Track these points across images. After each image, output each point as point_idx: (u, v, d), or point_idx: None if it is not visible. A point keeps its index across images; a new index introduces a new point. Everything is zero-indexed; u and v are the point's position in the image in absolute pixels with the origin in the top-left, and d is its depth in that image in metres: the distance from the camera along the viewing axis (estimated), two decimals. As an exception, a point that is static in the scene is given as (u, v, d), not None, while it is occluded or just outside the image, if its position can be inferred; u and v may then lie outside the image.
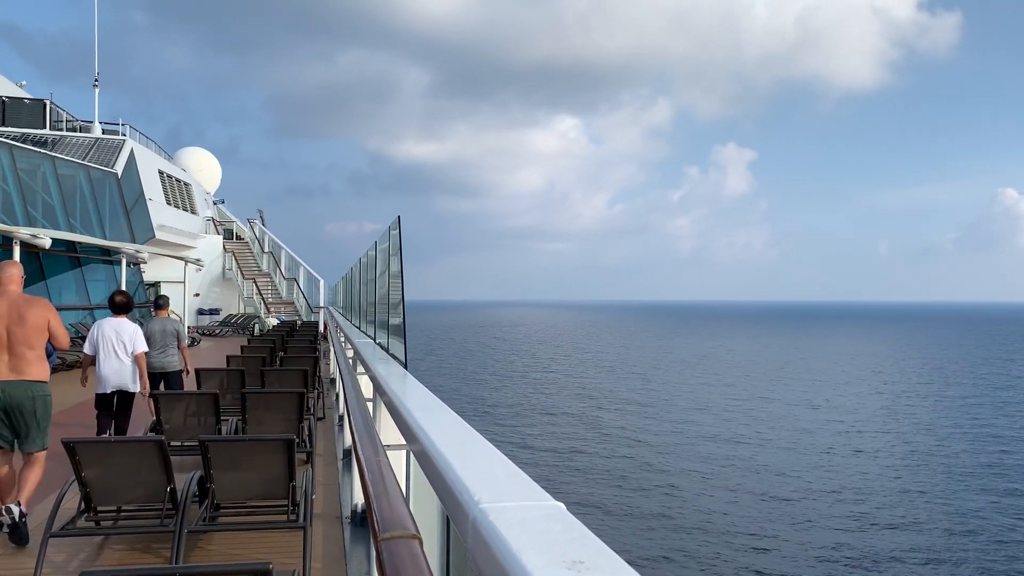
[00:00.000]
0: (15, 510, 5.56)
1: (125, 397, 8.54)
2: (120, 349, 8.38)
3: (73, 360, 15.44)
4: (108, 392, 8.42)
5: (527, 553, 1.20)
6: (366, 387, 6.49)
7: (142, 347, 8.56)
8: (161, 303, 10.50)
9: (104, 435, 8.29)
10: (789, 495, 24.80)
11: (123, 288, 22.32)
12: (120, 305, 8.66)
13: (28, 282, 18.91)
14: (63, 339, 6.04)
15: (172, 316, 10.94)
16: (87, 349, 8.50)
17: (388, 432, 4.03)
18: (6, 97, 31.06)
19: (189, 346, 10.35)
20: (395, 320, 7.36)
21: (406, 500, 1.99)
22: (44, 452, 6.01)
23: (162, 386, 9.72)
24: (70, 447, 5.10)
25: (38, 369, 5.87)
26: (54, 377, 6.86)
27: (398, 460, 4.07)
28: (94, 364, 8.46)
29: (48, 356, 6.23)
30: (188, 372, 10.13)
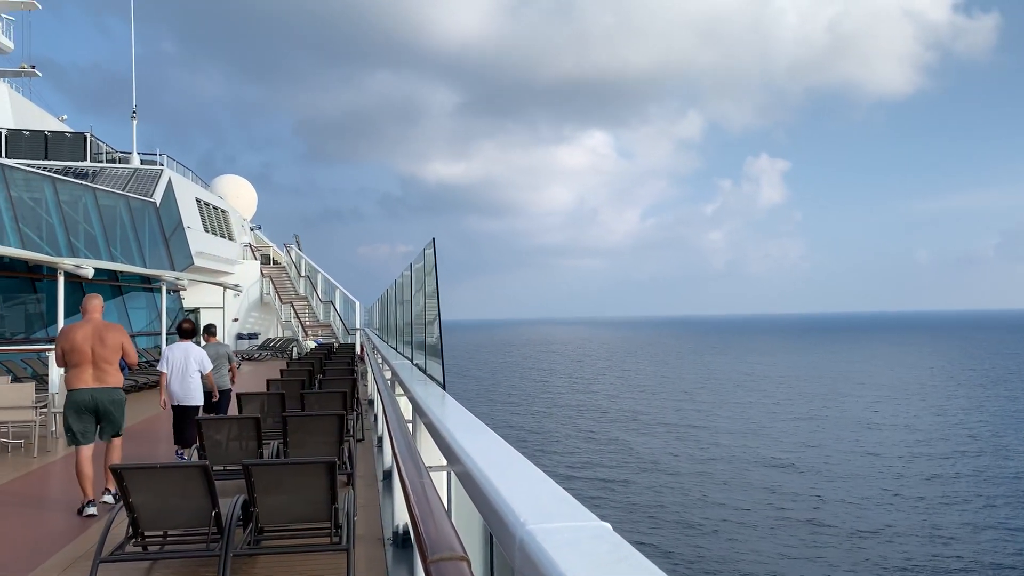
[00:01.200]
0: (109, 498, 7.56)
1: (189, 411, 9.97)
2: (187, 369, 9.97)
3: (144, 383, 18.51)
4: (177, 404, 10.01)
5: (576, 574, 1.21)
6: (405, 408, 6.53)
7: (209, 367, 10.15)
8: (211, 330, 12.00)
9: (179, 448, 10.14)
10: (862, 530, 22.53)
11: (162, 314, 22.71)
12: (187, 331, 10.41)
13: (71, 311, 19.28)
14: (133, 357, 7.91)
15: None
16: (162, 367, 10.05)
17: (429, 453, 4.06)
18: (49, 132, 31.86)
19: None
20: (431, 341, 7.41)
21: (451, 521, 2.01)
22: (120, 438, 7.84)
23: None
24: (118, 473, 5.20)
25: (115, 378, 7.69)
26: (149, 394, 9.65)
27: (439, 481, 4.09)
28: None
29: (121, 369, 7.90)
30: (234, 384, 11.55)
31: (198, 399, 10.09)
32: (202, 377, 10.12)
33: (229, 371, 11.43)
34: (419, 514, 1.84)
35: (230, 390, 11.40)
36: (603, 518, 1.56)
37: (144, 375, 19.07)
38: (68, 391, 7.55)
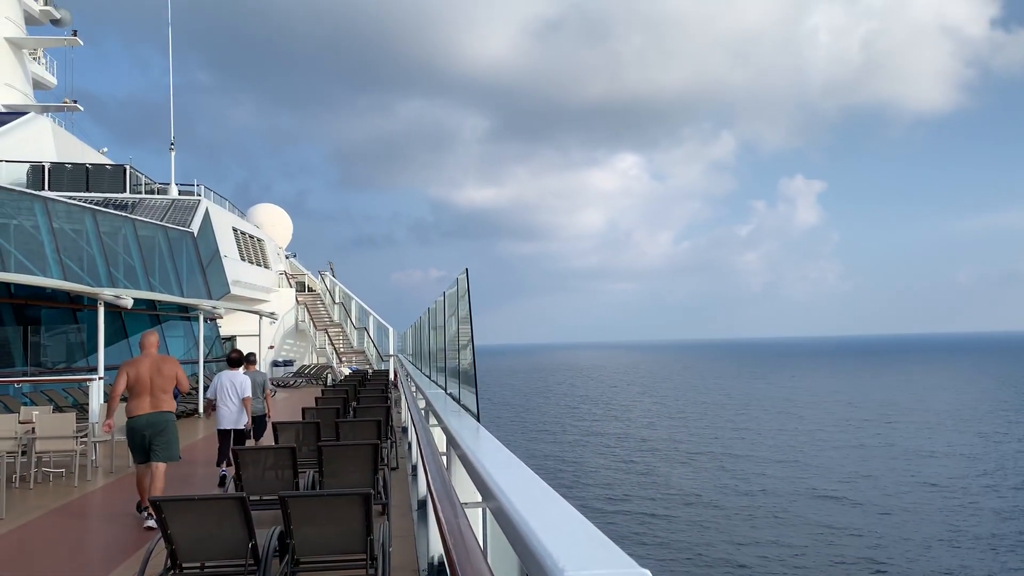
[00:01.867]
0: (151, 522, 8.02)
1: (237, 433, 10.98)
2: (234, 396, 10.87)
3: (191, 410, 20.01)
4: (225, 428, 10.87)
5: (616, 627, 1.19)
6: (439, 439, 6.52)
7: (248, 393, 10.95)
8: (251, 359, 12.66)
9: (221, 467, 10.75)
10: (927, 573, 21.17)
11: (199, 342, 23.00)
12: (234, 361, 11.41)
13: (111, 340, 19.54)
14: (185, 385, 8.85)
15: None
16: (209, 395, 11.03)
17: (463, 485, 4.04)
18: (90, 164, 32.59)
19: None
20: (466, 369, 7.41)
21: (486, 561, 1.99)
22: (165, 465, 8.41)
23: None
24: (156, 505, 5.24)
25: (168, 404, 8.57)
26: (189, 420, 11.03)
27: (475, 515, 4.07)
28: (215, 407, 10.93)
29: (175, 397, 8.84)
30: (270, 416, 12.07)
31: (243, 423, 10.97)
32: (242, 403, 10.95)
33: (264, 399, 12.11)
34: (456, 555, 1.83)
35: (265, 416, 12.12)
36: (643, 557, 1.53)
37: (181, 404, 19.67)
38: (128, 418, 8.40)
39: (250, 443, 11.35)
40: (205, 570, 5.67)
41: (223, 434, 10.99)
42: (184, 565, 5.49)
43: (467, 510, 3.06)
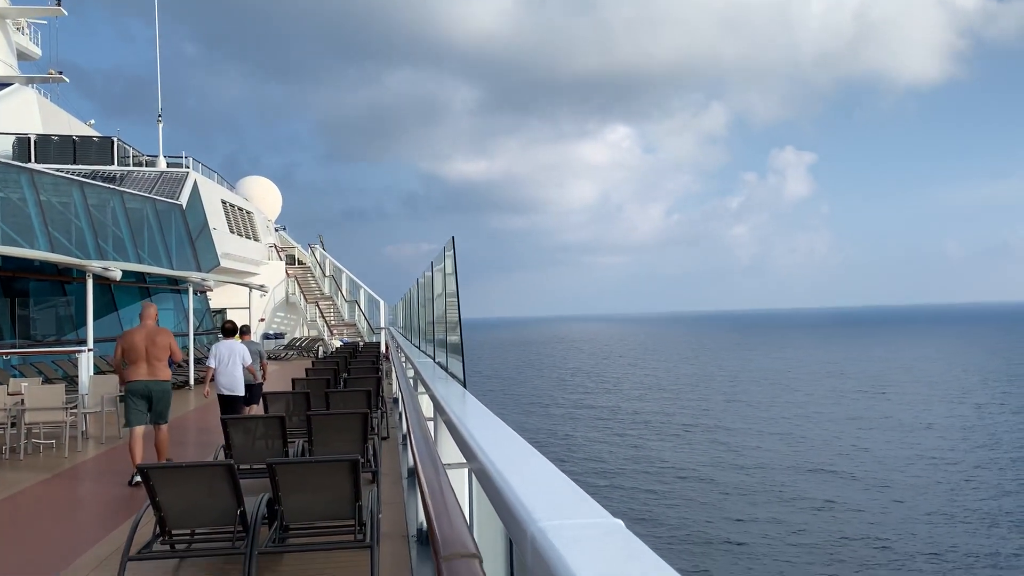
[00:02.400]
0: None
1: (235, 399, 11.30)
2: (233, 364, 11.21)
3: (182, 382, 20.10)
4: (224, 394, 11.24)
5: (585, 571, 1.20)
6: (427, 406, 6.55)
7: (249, 360, 11.39)
8: (246, 330, 12.99)
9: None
10: (925, 552, 20.64)
11: (189, 315, 22.95)
12: (230, 330, 11.75)
13: (100, 313, 19.48)
14: (178, 354, 9.60)
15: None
16: (211, 363, 11.29)
17: (449, 451, 4.06)
18: (77, 136, 32.28)
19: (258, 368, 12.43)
20: (453, 339, 7.42)
21: (468, 519, 2.00)
22: (166, 425, 9.36)
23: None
24: (144, 473, 5.25)
25: (164, 372, 9.32)
26: (179, 392, 11.34)
27: (460, 479, 4.10)
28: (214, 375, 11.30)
29: (169, 365, 9.57)
30: (265, 380, 12.52)
31: (242, 389, 11.36)
32: (244, 369, 11.37)
33: (261, 367, 12.41)
34: (434, 512, 1.84)
35: (261, 384, 12.45)
36: (639, 535, 1.52)
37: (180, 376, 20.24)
38: (126, 383, 9.19)
39: (247, 410, 11.66)
40: (195, 537, 5.71)
41: (224, 400, 11.40)
42: (173, 532, 5.53)
43: (452, 472, 3.08)
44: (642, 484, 29.17)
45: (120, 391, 10.15)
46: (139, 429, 9.11)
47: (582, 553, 1.29)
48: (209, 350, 11.73)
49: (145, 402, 9.15)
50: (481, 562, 1.44)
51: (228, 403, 11.37)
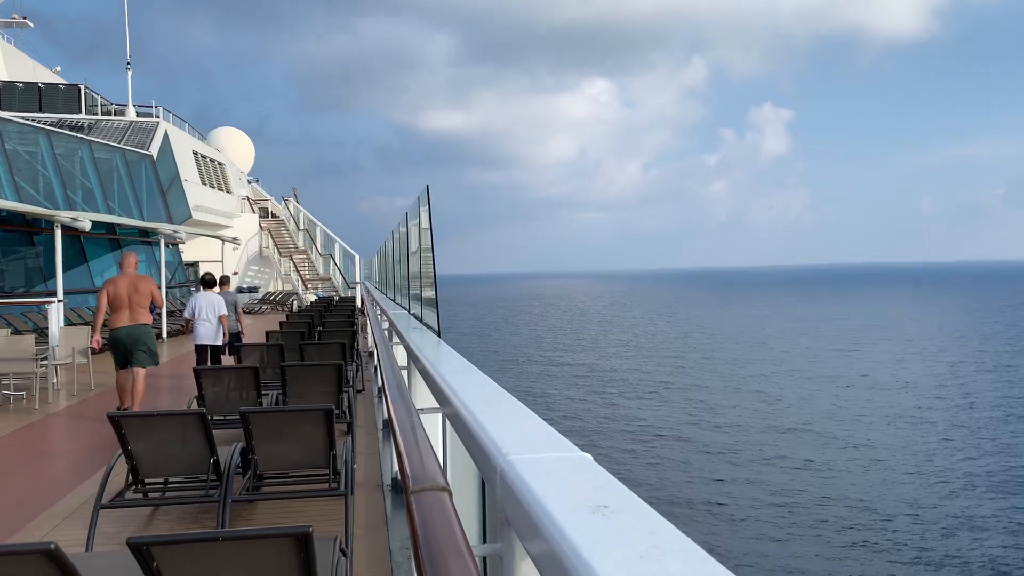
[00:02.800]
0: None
1: (214, 348, 11.68)
2: (211, 314, 11.52)
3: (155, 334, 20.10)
4: (202, 343, 11.55)
5: (552, 499, 1.20)
6: (401, 356, 6.55)
7: (224, 311, 11.64)
8: (224, 280, 13.57)
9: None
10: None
11: (161, 267, 22.72)
12: (208, 282, 12.15)
13: (69, 264, 19.23)
14: (160, 301, 9.96)
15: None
16: (187, 314, 11.71)
17: (423, 398, 4.07)
18: (42, 84, 31.51)
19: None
20: (428, 291, 7.40)
21: (440, 458, 2.01)
22: (144, 370, 9.56)
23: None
24: (115, 421, 5.22)
25: (145, 318, 9.59)
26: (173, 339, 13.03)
27: (434, 424, 4.11)
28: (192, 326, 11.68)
29: (151, 311, 9.85)
30: (244, 334, 12.99)
31: (219, 339, 11.64)
32: (219, 320, 11.68)
33: (237, 318, 12.82)
34: (405, 449, 1.84)
35: (239, 333, 12.90)
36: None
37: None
38: (110, 329, 9.55)
39: (227, 360, 12.12)
40: (168, 485, 5.70)
41: (200, 349, 11.66)
42: (146, 481, 5.52)
43: (426, 417, 3.08)
44: (620, 443, 28.96)
45: (91, 345, 10.19)
46: (125, 372, 9.60)
47: (550, 483, 1.30)
48: (186, 303, 12.14)
49: (126, 347, 9.47)
50: (451, 495, 1.44)
51: (205, 353, 11.66)
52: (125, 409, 9.10)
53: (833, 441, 28.43)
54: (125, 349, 9.43)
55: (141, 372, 9.55)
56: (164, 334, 20.28)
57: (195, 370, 8.15)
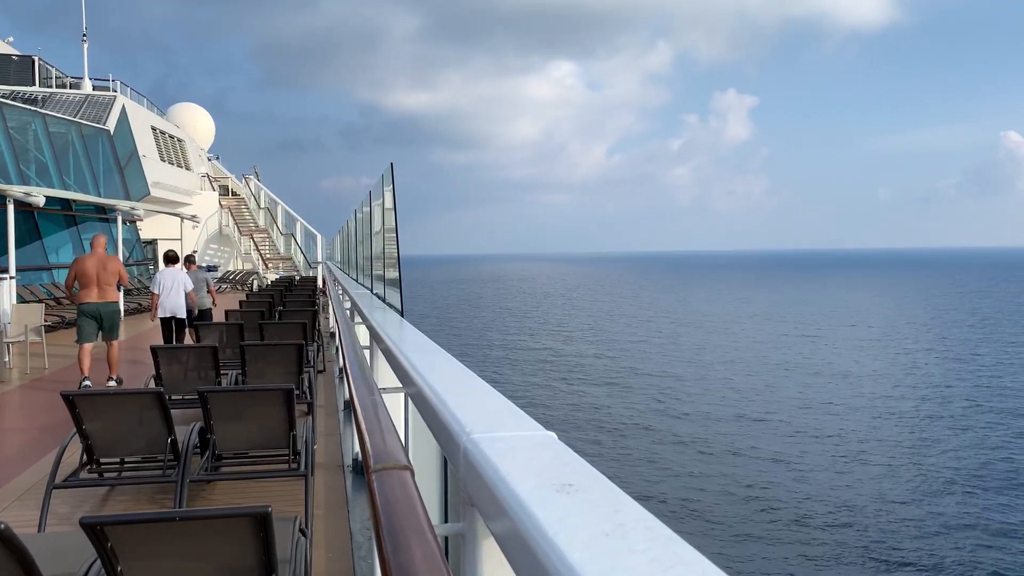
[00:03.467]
0: (113, 383, 10.32)
1: (179, 321, 12.46)
2: (176, 289, 12.28)
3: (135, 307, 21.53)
4: (167, 316, 12.35)
5: (516, 477, 1.19)
6: (363, 336, 6.50)
7: (190, 286, 12.52)
8: (190, 259, 14.39)
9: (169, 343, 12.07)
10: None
11: (119, 245, 22.29)
12: (172, 259, 12.82)
13: (23, 241, 18.85)
14: (126, 279, 10.69)
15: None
16: (154, 289, 12.35)
17: (385, 378, 4.04)
18: (-6, 54, 30.62)
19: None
20: (391, 271, 7.35)
21: (403, 439, 1.98)
22: (117, 340, 10.51)
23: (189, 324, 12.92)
24: (69, 400, 5.11)
25: (113, 295, 10.38)
26: (131, 318, 14.03)
27: (396, 404, 4.08)
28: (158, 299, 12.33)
29: (119, 289, 10.60)
30: (215, 306, 14.12)
31: (183, 311, 12.43)
32: (186, 296, 12.43)
33: (208, 293, 13.67)
34: (366, 428, 1.81)
35: (211, 309, 13.78)
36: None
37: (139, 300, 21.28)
38: (79, 304, 10.19)
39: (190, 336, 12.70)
40: (124, 465, 5.61)
41: (165, 322, 12.44)
42: (102, 461, 5.42)
43: (389, 397, 3.05)
44: (587, 435, 28.52)
45: (45, 320, 10.92)
46: (88, 346, 10.21)
47: (514, 461, 1.28)
48: (152, 279, 13.13)
49: (95, 322, 10.20)
50: (413, 474, 1.42)
51: (170, 326, 12.48)
52: (86, 378, 9.99)
53: (802, 431, 28.16)
54: (96, 324, 10.20)
55: (115, 343, 10.48)
56: (121, 312, 19.93)
57: (152, 349, 8.01)
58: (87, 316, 10.15)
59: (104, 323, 10.27)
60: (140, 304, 21.66)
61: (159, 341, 12.34)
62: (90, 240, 10.66)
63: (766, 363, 44.05)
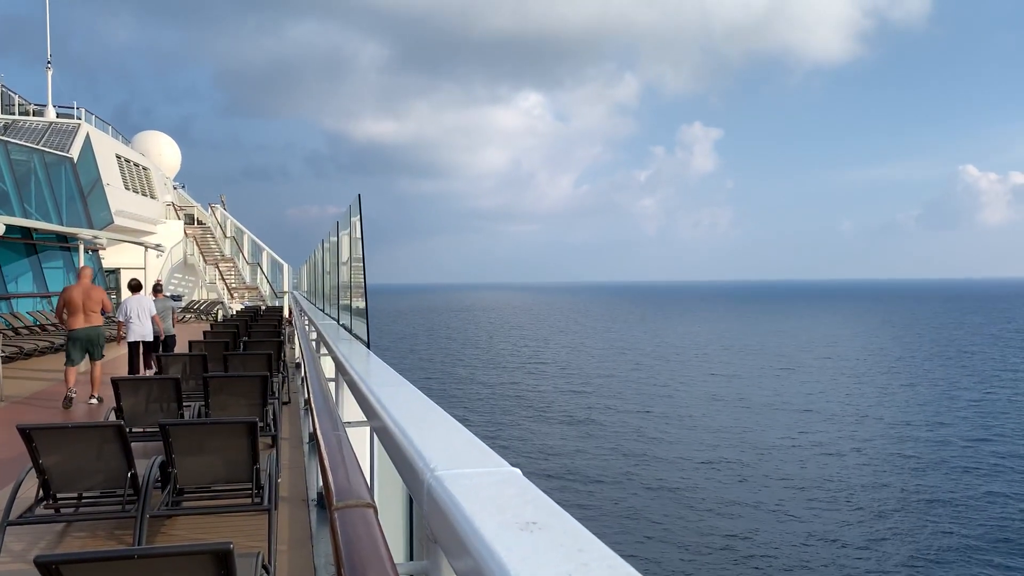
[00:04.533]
0: (94, 400, 11.22)
1: (147, 344, 13.17)
2: (142, 315, 13.01)
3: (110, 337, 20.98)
4: (135, 341, 13.07)
5: (480, 516, 1.19)
6: (329, 368, 6.45)
7: (154, 311, 13.24)
8: (158, 287, 15.55)
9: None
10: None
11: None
12: (136, 287, 13.57)
13: (-18, 268, 18.38)
14: (108, 307, 11.82)
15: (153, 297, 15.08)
16: (120, 316, 13.04)
17: (351, 411, 4.00)
18: (-46, 81, 30.21)
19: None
20: (358, 301, 7.31)
21: (366, 473, 1.97)
22: (101, 360, 11.59)
23: (161, 349, 13.66)
24: (26, 433, 5.00)
25: (97, 320, 11.52)
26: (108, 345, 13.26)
27: (362, 438, 4.05)
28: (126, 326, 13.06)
29: (103, 314, 11.66)
30: (174, 333, 15.12)
31: (151, 336, 13.17)
32: (152, 320, 13.13)
33: (173, 321, 14.72)
34: (329, 464, 1.80)
35: (174, 335, 14.73)
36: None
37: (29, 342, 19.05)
38: (68, 330, 11.40)
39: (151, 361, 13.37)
40: (82, 500, 5.48)
41: (133, 346, 13.13)
42: (59, 496, 5.30)
43: (354, 431, 3.03)
44: (552, 469, 28.06)
45: (3, 350, 11.15)
46: (74, 368, 11.30)
47: (477, 499, 1.28)
48: (117, 307, 13.91)
49: (82, 344, 11.37)
50: (376, 511, 1.41)
51: (137, 348, 13.20)
52: (71, 389, 11.08)
53: (787, 477, 27.45)
54: (83, 346, 11.39)
55: (98, 363, 11.53)
56: (104, 335, 19.57)
57: (113, 380, 7.88)
58: (75, 340, 11.36)
59: (90, 345, 11.45)
60: (111, 333, 21.36)
61: (125, 368, 13.20)
62: (77, 271, 12.12)
63: (745, 401, 43.23)
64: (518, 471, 1.49)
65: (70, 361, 11.31)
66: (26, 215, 22.86)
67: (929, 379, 51.00)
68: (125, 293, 14.30)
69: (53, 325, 20.96)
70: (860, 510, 23.66)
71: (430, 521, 1.41)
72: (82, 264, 21.95)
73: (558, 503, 1.31)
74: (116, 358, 15.95)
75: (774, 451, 30.82)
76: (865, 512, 23.52)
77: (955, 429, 35.23)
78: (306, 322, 12.77)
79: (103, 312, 11.66)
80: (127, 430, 5.36)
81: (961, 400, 42.75)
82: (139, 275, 27.45)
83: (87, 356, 11.54)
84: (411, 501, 2.95)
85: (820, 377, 52.12)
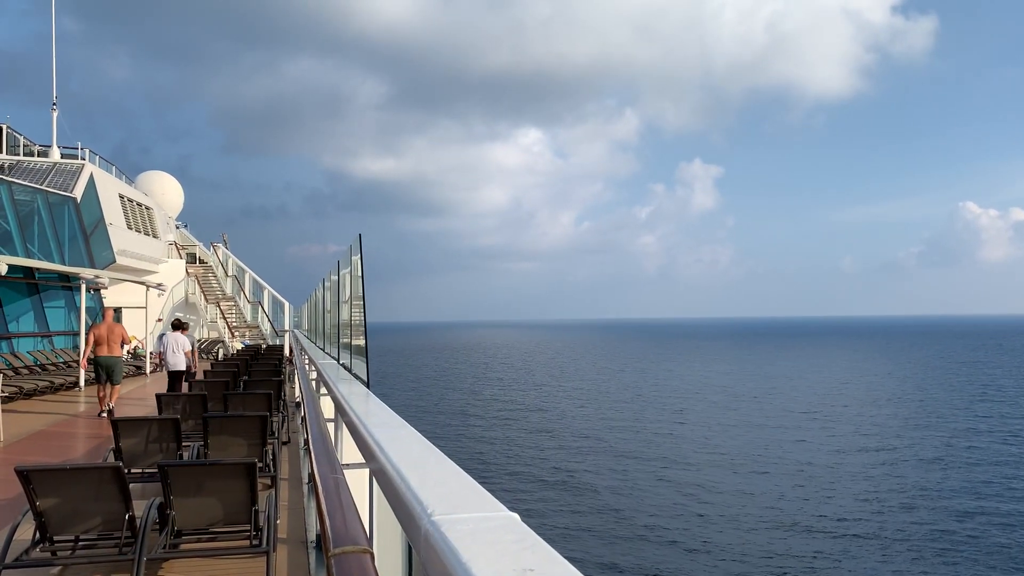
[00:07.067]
0: (104, 414, 14.03)
1: (180, 373, 16.18)
2: (178, 349, 16.11)
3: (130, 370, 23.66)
4: (171, 370, 16.14)
5: (477, 563, 1.18)
6: (329, 408, 6.42)
7: (188, 347, 16.31)
8: (184, 326, 17.17)
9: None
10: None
11: (83, 313, 22.01)
12: (176, 325, 16.70)
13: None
14: (128, 340, 14.99)
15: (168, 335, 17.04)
16: (158, 348, 17.39)
17: (350, 452, 3.98)
18: (-41, 122, 30.49)
19: (151, 372, 15.73)
20: (358, 342, 7.31)
21: (365, 517, 1.95)
22: (119, 386, 14.59)
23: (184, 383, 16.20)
24: (24, 475, 4.97)
25: (117, 351, 14.58)
26: (128, 379, 19.05)
27: (361, 480, 4.02)
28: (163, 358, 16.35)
29: (122, 347, 14.76)
30: (196, 368, 16.99)
31: (183, 366, 16.17)
32: (184, 354, 16.10)
33: (186, 355, 16.56)
34: (327, 508, 1.79)
35: (192, 370, 16.68)
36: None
37: (56, 376, 18.92)
38: (95, 357, 14.43)
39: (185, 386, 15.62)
40: (79, 542, 5.43)
41: (174, 374, 16.08)
42: (56, 539, 5.25)
43: (353, 474, 3.01)
44: (554, 512, 27.69)
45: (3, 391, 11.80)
46: (102, 386, 14.38)
47: (475, 545, 1.27)
48: (158, 340, 17.68)
49: (104, 368, 14.32)
50: (373, 557, 1.40)
51: (177, 377, 16.08)
52: (102, 412, 14.22)
53: (806, 522, 26.57)
54: (105, 371, 14.37)
55: (117, 387, 14.47)
56: (82, 382, 19.52)
57: (112, 421, 7.85)
58: (99, 365, 14.39)
59: (110, 370, 14.39)
60: (128, 369, 23.17)
61: (156, 392, 13.64)
62: (101, 311, 14.01)
63: (767, 446, 41.54)
64: (516, 516, 1.48)
65: (97, 379, 14.55)
66: (28, 255, 22.94)
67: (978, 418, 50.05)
68: (171, 330, 16.77)
69: (54, 365, 21.02)
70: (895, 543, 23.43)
71: (427, 567, 1.40)
72: (83, 304, 22.05)
73: (557, 549, 1.30)
74: (147, 384, 19.22)
75: (801, 502, 29.84)
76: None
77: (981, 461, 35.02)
78: (306, 361, 12.74)
79: (122, 344, 14.68)
80: (125, 471, 5.33)
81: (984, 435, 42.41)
82: (140, 314, 27.53)
83: (108, 380, 14.34)
84: (409, 546, 2.92)
85: (852, 423, 49.68)
